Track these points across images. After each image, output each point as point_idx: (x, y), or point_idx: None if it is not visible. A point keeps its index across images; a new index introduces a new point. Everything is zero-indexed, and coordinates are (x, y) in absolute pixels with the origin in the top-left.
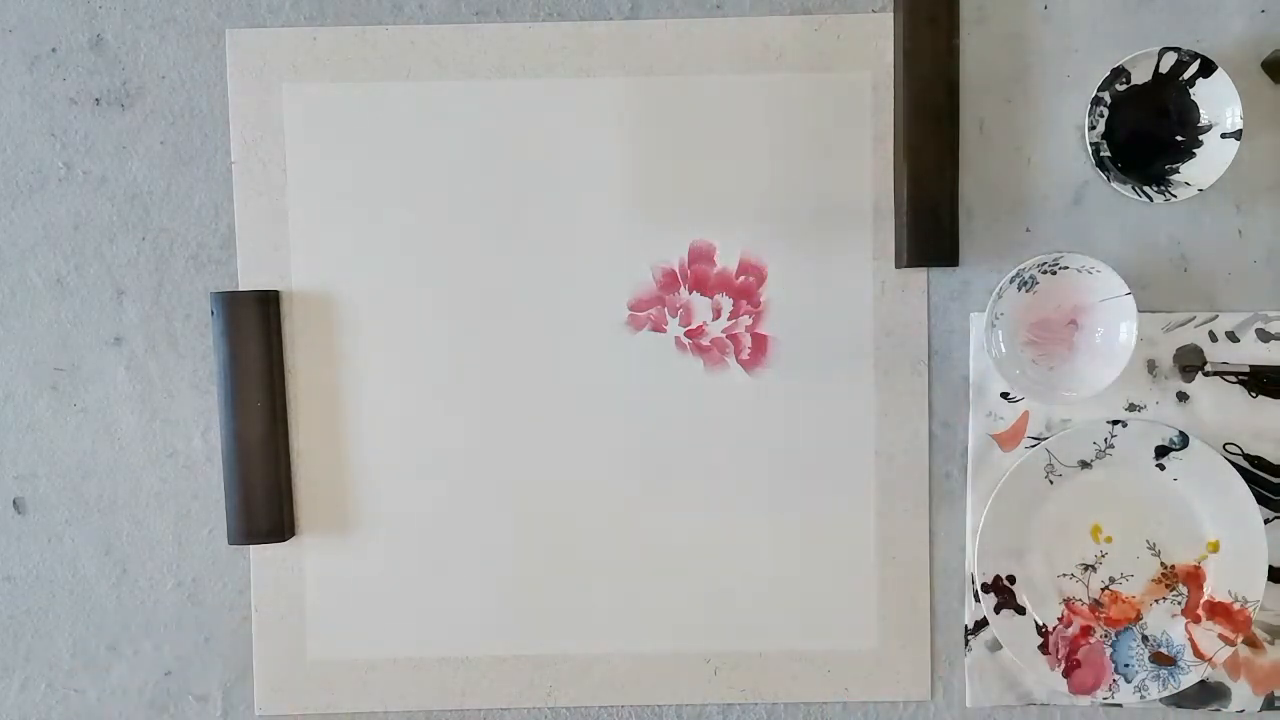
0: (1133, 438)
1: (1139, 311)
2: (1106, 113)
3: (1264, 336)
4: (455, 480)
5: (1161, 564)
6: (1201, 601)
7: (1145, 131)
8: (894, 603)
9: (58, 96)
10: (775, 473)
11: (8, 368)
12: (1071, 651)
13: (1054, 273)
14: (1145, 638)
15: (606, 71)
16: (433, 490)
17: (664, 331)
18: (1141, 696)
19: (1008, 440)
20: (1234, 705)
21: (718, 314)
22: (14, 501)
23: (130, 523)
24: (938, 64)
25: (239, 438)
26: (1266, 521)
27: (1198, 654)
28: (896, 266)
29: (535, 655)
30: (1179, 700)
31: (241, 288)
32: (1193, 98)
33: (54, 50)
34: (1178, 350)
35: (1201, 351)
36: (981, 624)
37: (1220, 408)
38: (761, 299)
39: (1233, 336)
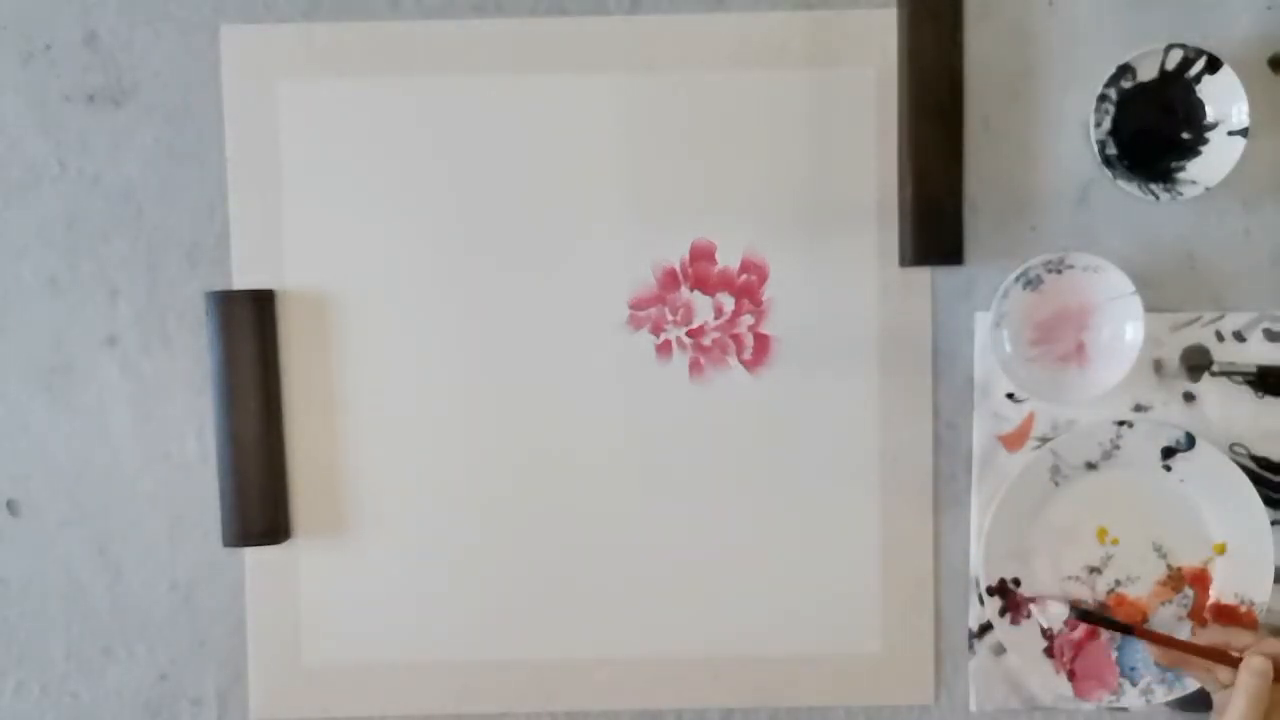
0: (1139, 438)
1: (1145, 311)
2: (1112, 110)
3: (1271, 336)
4: (453, 482)
5: (1168, 566)
6: (1208, 604)
7: (1151, 129)
8: (897, 606)
9: (51, 94)
10: (777, 474)
11: (0, 368)
12: (1076, 655)
13: (1059, 271)
14: None
15: (606, 67)
16: (430, 492)
17: (665, 331)
18: (1148, 700)
19: (1013, 441)
20: None
21: (719, 313)
22: (7, 503)
23: (124, 524)
24: (941, 60)
25: (234, 439)
26: (1274, 523)
27: None
28: (900, 265)
29: (534, 659)
30: (1185, 704)
31: (236, 287)
32: (1199, 95)
33: (47, 47)
34: (1184, 350)
35: (1208, 351)
36: (986, 627)
37: (1227, 408)
38: (764, 298)
39: (1240, 336)
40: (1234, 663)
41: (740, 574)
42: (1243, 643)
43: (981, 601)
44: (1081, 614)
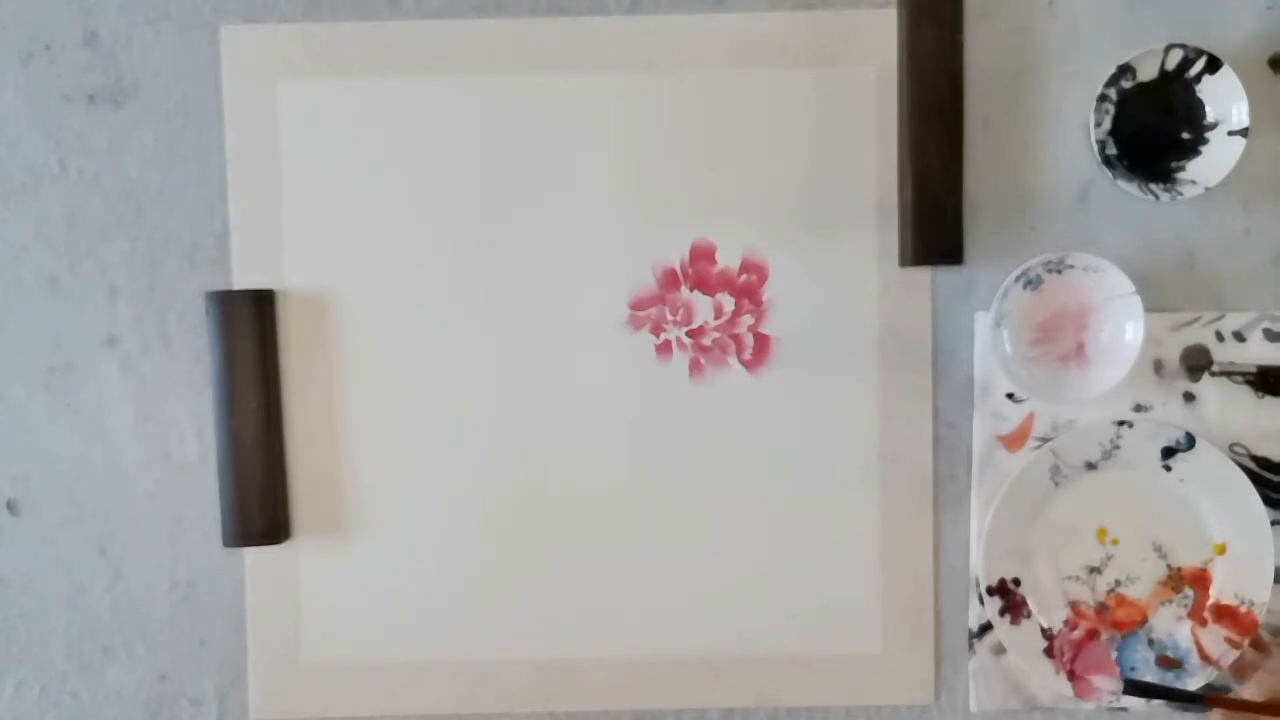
0: (1139, 439)
1: (1145, 311)
2: (1113, 110)
3: (1271, 336)
4: (453, 482)
5: (1168, 566)
6: (1208, 604)
7: (1151, 129)
8: (898, 606)
9: (51, 94)
10: (777, 474)
11: (0, 368)
12: (1076, 655)
13: (1060, 272)
14: (1151, 641)
15: (606, 67)
16: (430, 492)
17: (665, 331)
18: (1148, 701)
19: (1013, 441)
20: None
21: (719, 313)
22: (7, 503)
23: (124, 524)
24: (941, 60)
25: (234, 438)
26: (1274, 523)
27: (1204, 657)
28: (900, 265)
29: (534, 659)
30: (1186, 704)
31: (236, 287)
32: (1199, 95)
33: (47, 47)
34: (1184, 350)
35: (1208, 351)
36: (986, 627)
37: (1227, 408)
38: (764, 298)
39: (1239, 336)
40: None
41: (740, 574)
42: None
43: (981, 601)
44: (1139, 688)
